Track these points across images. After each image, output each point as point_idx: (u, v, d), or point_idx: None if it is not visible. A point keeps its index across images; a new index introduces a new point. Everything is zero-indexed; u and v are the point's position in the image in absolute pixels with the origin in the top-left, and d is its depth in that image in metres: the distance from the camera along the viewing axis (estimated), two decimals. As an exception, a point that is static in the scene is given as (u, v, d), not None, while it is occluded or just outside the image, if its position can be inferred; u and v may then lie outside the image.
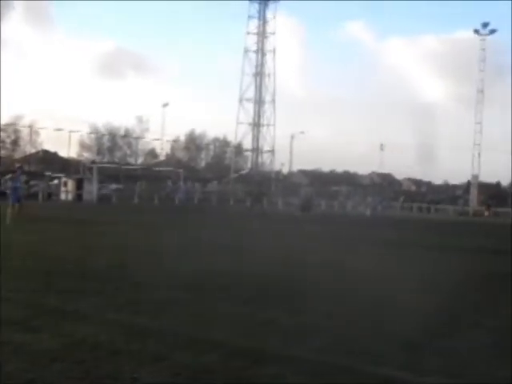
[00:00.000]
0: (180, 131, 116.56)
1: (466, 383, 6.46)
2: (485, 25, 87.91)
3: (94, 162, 78.01)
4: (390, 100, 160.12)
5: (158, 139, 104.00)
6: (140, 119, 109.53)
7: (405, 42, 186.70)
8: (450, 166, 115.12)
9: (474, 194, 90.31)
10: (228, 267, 14.23)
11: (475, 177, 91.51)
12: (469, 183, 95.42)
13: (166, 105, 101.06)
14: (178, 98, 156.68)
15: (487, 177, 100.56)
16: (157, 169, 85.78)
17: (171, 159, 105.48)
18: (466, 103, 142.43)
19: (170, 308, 9.30)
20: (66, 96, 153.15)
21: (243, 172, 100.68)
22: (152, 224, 30.15)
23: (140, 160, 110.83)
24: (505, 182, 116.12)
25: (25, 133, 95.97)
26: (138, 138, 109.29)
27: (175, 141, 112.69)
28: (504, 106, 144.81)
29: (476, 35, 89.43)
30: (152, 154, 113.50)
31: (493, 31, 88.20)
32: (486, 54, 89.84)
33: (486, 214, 74.70)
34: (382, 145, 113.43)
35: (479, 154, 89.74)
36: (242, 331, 8.02)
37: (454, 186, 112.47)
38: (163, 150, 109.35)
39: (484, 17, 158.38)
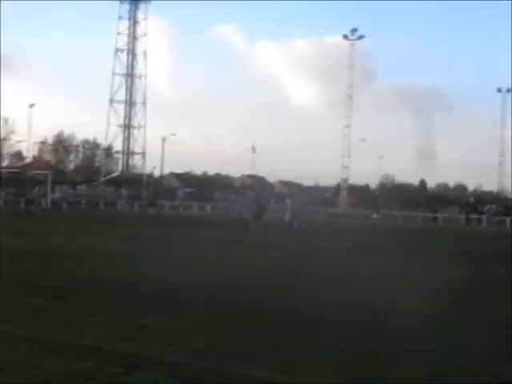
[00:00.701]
0: (48, 133, 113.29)
1: (336, 383, 6.37)
2: (353, 30, 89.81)
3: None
4: (262, 102, 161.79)
5: (24, 141, 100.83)
6: (5, 120, 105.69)
7: (276, 45, 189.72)
8: (322, 168, 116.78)
9: (343, 196, 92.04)
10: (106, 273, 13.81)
11: (344, 179, 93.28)
12: (338, 185, 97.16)
13: (32, 105, 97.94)
14: (47, 98, 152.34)
15: (356, 179, 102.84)
16: (23, 171, 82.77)
17: (38, 161, 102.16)
18: (336, 106, 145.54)
19: (41, 314, 8.83)
20: None
21: (114, 175, 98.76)
22: (23, 228, 28.70)
23: (5, 162, 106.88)
24: (373, 185, 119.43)
25: None
26: (3, 140, 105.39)
27: (42, 142, 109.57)
28: (372, 109, 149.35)
29: (345, 40, 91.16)
30: (18, 156, 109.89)
31: (361, 37, 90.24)
32: (355, 59, 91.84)
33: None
34: (253, 147, 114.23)
35: (348, 157, 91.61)
36: (116, 336, 7.74)
37: (325, 188, 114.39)
38: (30, 152, 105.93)
39: (353, 22, 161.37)
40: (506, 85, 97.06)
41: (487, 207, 69.95)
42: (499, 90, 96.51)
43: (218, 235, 29.56)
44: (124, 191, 58.75)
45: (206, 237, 28.40)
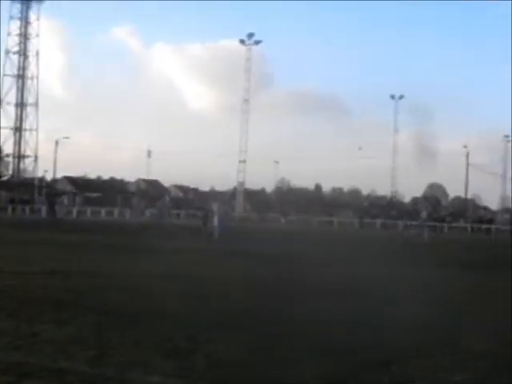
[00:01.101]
0: None
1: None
2: (250, 35, 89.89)
3: None
4: (158, 106, 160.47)
5: None
6: None
7: (173, 48, 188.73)
8: (218, 173, 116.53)
9: (239, 200, 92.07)
10: None
11: (241, 183, 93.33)
12: (235, 190, 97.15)
13: None
14: None
15: (252, 184, 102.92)
16: None
17: None
18: (232, 111, 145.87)
19: None
20: None
21: (4, 178, 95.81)
22: None
23: None
24: (269, 189, 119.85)
25: None
26: None
27: None
28: (269, 114, 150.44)
29: (241, 45, 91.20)
30: None
31: (258, 42, 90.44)
32: (252, 64, 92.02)
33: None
34: (149, 151, 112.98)
35: (245, 161, 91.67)
36: (7, 345, 7.41)
37: (221, 193, 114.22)
38: None
39: (250, 27, 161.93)
40: (398, 92, 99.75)
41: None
42: (392, 97, 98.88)
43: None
44: (63, 197, 56.45)
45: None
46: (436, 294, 13.44)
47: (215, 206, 30.19)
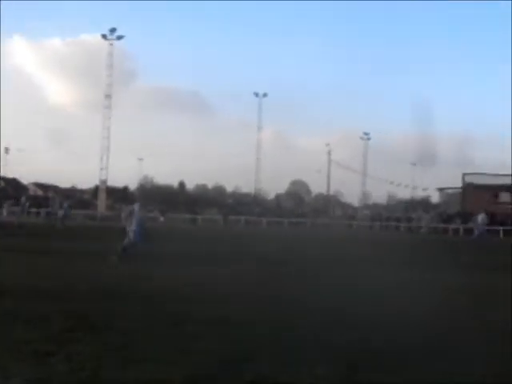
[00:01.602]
0: None
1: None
2: (112, 30, 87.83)
3: None
4: (16, 102, 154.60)
5: None
6: None
7: (30, 43, 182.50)
8: (79, 170, 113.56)
9: (102, 198, 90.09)
10: None
11: (103, 181, 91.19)
12: (97, 188, 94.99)
13: None
14: None
15: (115, 181, 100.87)
16: None
17: None
18: (94, 108, 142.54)
19: None
20: None
21: None
22: None
23: None
24: (132, 186, 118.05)
25: None
26: None
27: None
28: (132, 111, 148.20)
29: (104, 40, 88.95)
30: None
31: (120, 37, 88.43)
32: (114, 60, 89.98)
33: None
34: (6, 148, 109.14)
35: (107, 159, 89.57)
36: None
37: (82, 191, 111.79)
38: None
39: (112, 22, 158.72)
40: (262, 89, 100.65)
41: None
42: (256, 95, 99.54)
43: None
44: (23, 198, 52.09)
45: None
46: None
47: (137, 206, 26.74)
